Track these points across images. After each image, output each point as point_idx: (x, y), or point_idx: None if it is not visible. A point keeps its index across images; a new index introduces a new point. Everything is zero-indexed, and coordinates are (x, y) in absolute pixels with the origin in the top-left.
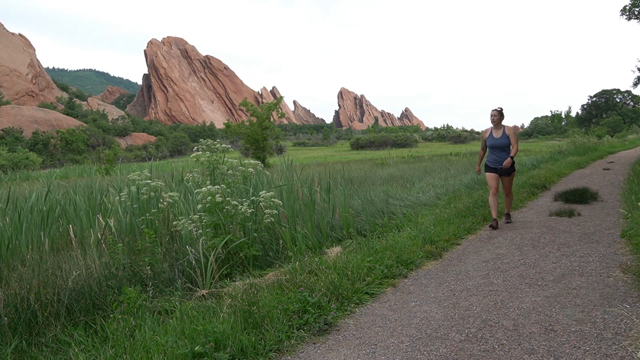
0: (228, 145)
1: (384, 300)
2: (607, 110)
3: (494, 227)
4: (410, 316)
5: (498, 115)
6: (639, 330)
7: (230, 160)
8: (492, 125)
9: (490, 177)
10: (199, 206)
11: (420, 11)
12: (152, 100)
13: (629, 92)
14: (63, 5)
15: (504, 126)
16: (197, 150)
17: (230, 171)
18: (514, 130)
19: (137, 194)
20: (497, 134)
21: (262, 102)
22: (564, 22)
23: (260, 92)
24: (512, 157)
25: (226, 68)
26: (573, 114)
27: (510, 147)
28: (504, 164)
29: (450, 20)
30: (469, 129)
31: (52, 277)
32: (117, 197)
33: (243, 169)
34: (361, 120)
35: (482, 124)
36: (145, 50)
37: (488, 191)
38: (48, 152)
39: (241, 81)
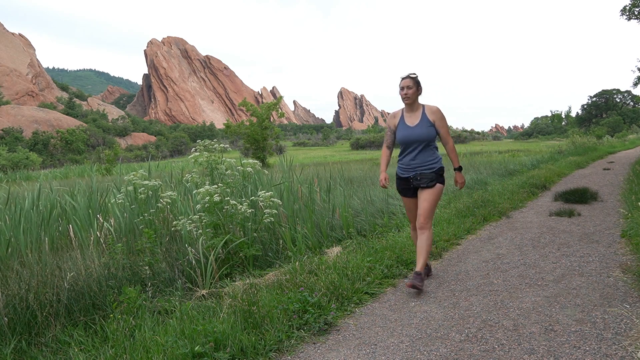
0: (226, 145)
1: (384, 300)
2: (607, 110)
3: (416, 287)
4: (410, 316)
5: (413, 86)
6: (639, 330)
7: (228, 160)
8: (404, 106)
9: (407, 203)
10: (198, 206)
11: (419, 10)
12: (152, 100)
13: (629, 92)
14: (63, 5)
15: (423, 106)
16: (196, 151)
17: (229, 171)
18: (441, 113)
19: (134, 194)
20: (413, 120)
21: (262, 102)
22: (564, 22)
23: (260, 92)
24: (460, 167)
25: (226, 68)
26: (573, 114)
27: (439, 142)
28: (458, 184)
29: (450, 20)
30: (469, 129)
31: (51, 277)
32: (116, 198)
33: (242, 168)
34: (361, 120)
35: (481, 124)
36: (145, 50)
37: (487, 189)
38: (48, 152)
39: (241, 81)
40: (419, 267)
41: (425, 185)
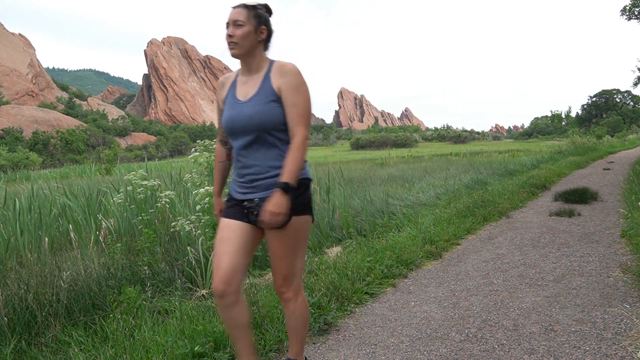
0: None
1: (384, 300)
2: (607, 110)
3: None
4: (410, 316)
5: (247, 24)
6: (639, 330)
7: None
8: (240, 68)
9: (225, 228)
10: (198, 207)
11: (420, 10)
12: (152, 100)
13: (629, 92)
14: (63, 5)
15: (270, 64)
16: (195, 151)
17: None
18: (299, 78)
19: (133, 193)
20: (247, 89)
21: None
22: (564, 22)
23: None
24: (286, 185)
25: (226, 68)
26: (573, 114)
27: (285, 132)
28: (265, 214)
29: (450, 20)
30: (468, 129)
31: (50, 277)
32: (115, 198)
33: None
34: (361, 120)
35: (481, 124)
36: (145, 50)
37: (487, 189)
38: (48, 152)
39: None
40: (292, 353)
41: (274, 225)
